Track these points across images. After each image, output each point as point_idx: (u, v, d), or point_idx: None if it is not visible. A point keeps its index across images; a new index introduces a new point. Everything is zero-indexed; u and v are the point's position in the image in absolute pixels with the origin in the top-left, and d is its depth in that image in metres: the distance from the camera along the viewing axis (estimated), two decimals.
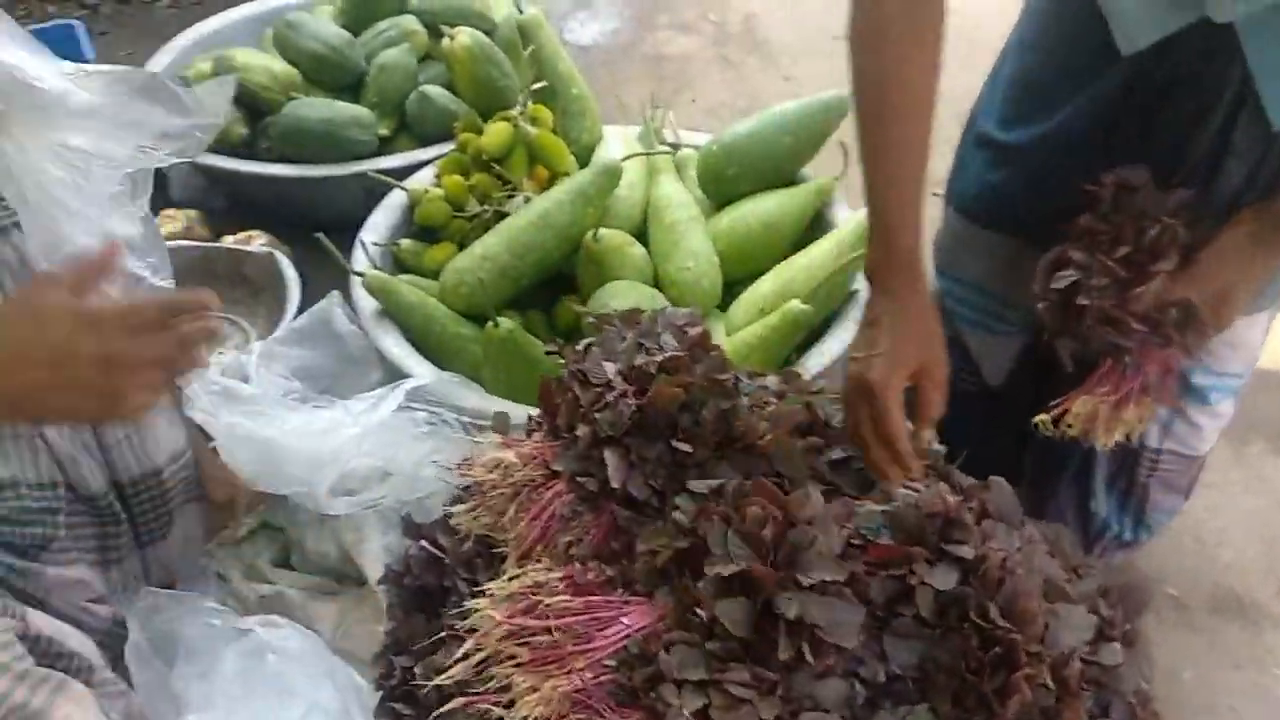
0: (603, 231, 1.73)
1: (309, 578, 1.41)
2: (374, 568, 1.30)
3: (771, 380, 1.25)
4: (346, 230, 1.87)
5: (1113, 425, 1.24)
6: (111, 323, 0.87)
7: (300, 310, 1.86)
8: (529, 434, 1.23)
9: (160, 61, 2.38)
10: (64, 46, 2.31)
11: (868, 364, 1.07)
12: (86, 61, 2.21)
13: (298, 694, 1.05)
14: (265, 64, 2.19)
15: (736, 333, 1.67)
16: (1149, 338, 1.20)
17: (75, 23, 2.39)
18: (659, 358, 1.11)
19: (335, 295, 1.54)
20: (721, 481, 1.02)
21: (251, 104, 2.19)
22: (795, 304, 1.58)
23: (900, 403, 1.07)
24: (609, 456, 1.06)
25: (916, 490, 1.08)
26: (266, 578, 1.41)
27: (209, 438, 1.46)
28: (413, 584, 1.19)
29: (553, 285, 1.85)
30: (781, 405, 1.18)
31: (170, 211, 2.13)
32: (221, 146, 2.16)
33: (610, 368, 1.12)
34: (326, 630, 1.32)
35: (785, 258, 1.79)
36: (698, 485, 1.02)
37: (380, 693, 1.15)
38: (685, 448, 1.05)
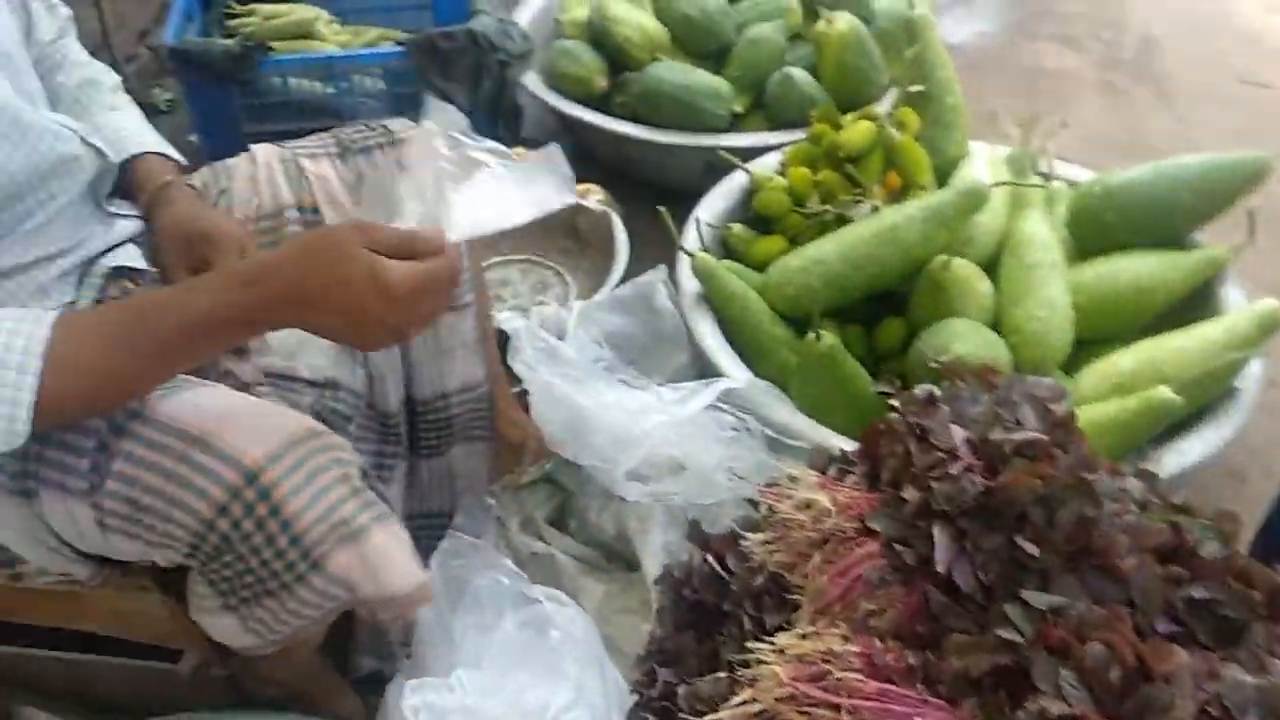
0: (954, 261, 1.59)
1: (582, 548, 1.40)
2: (651, 562, 1.27)
3: (1133, 484, 1.08)
4: (682, 200, 1.84)
5: None
6: (401, 288, 0.90)
7: (624, 274, 1.85)
8: (842, 474, 1.14)
9: (538, 1, 2.44)
10: None
11: None
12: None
13: (568, 678, 1.04)
14: (638, 20, 2.18)
15: (1083, 405, 1.49)
16: None
17: None
18: (1017, 437, 0.98)
19: (662, 270, 1.51)
20: (1066, 602, 0.88)
21: (616, 58, 2.19)
22: (1164, 393, 1.38)
23: None
24: (939, 534, 0.95)
25: None
26: (541, 535, 1.42)
27: (515, 381, 1.48)
28: (691, 597, 1.14)
29: (878, 300, 1.74)
30: (1143, 519, 1.02)
31: (519, 149, 2.18)
32: (578, 94, 2.19)
33: (959, 434, 1.00)
34: (590, 608, 1.30)
35: (1152, 329, 1.58)
36: (1036, 598, 0.89)
37: (635, 697, 1.12)
38: (1031, 549, 0.92)
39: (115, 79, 1.31)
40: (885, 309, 1.72)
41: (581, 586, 1.33)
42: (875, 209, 1.72)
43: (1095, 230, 1.70)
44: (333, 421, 1.27)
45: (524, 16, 2.37)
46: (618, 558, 1.40)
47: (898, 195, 1.80)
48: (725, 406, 1.34)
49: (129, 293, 1.12)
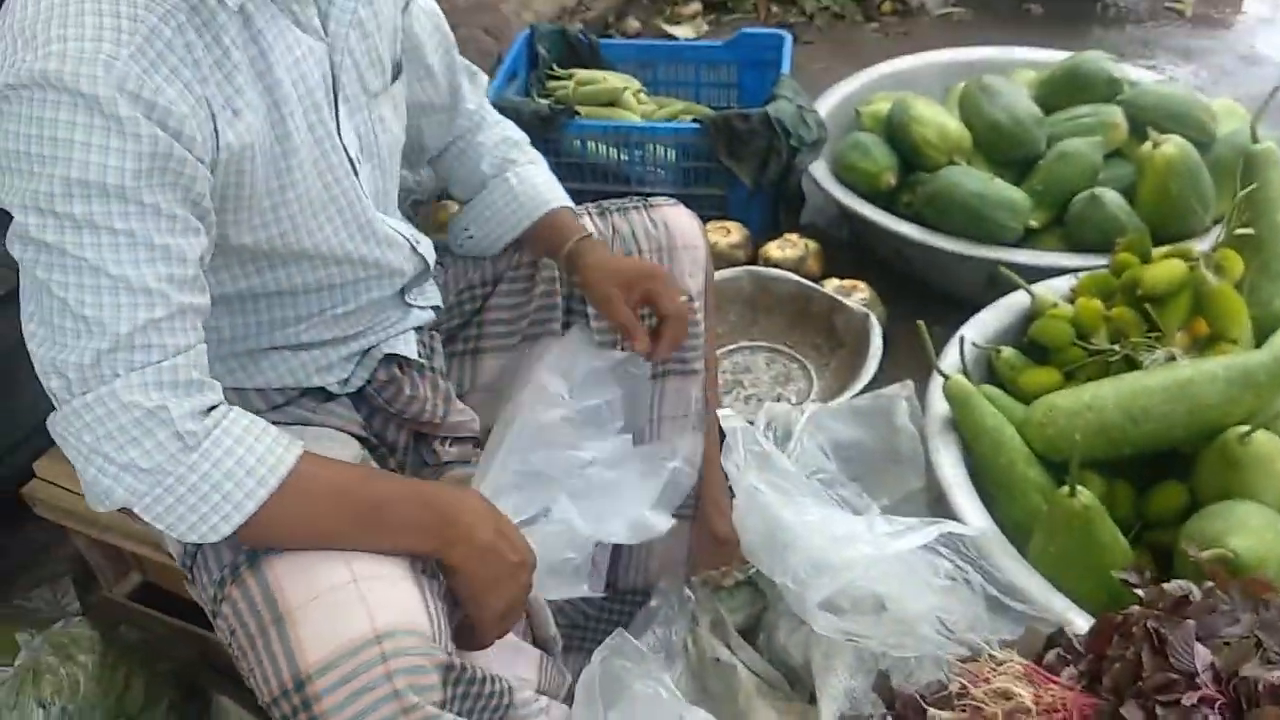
0: (1258, 434, 1.37)
1: (766, 666, 1.32)
2: (829, 705, 1.17)
3: None
4: (959, 312, 1.73)
5: None
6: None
7: (874, 382, 1.76)
8: (1060, 663, 1.00)
9: (845, 88, 2.41)
10: (769, 52, 2.45)
11: None
12: (779, 70, 2.31)
13: None
14: (940, 121, 2.09)
15: None
16: None
17: (784, 33, 2.51)
18: (1275, 675, 0.81)
19: (907, 386, 1.40)
20: None
21: (910, 157, 2.11)
22: None
23: None
24: None
25: None
26: (728, 641, 1.35)
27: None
28: None
29: (1159, 458, 1.53)
30: None
31: (793, 236, 2.16)
32: (864, 189, 2.12)
33: (1203, 656, 0.85)
34: None
35: None
36: None
37: None
38: None
39: (524, 136, 1.40)
40: (1165, 470, 1.51)
41: (755, 708, 1.25)
42: (1171, 358, 1.52)
43: None
44: None
45: (826, 104, 2.34)
46: (801, 685, 1.31)
47: (1202, 347, 1.58)
48: (946, 551, 1.22)
49: (395, 380, 1.19)
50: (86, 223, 0.84)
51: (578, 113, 2.25)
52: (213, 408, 0.91)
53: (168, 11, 0.87)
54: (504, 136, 1.36)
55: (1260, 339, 1.59)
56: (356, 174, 1.09)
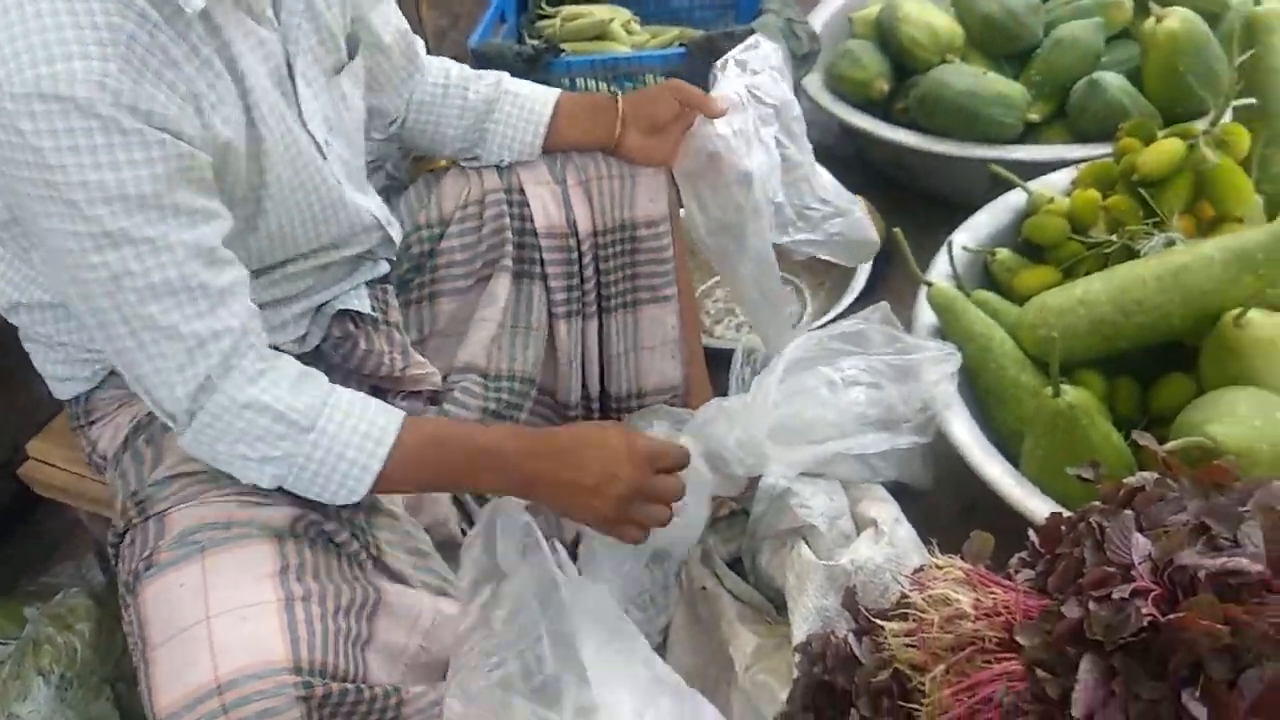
0: (1253, 314, 1.30)
1: (751, 591, 1.31)
2: (800, 625, 1.15)
3: None
4: (963, 214, 1.67)
5: None
6: (647, 459, 1.10)
7: (872, 296, 1.71)
8: (1021, 565, 0.97)
9: (835, 2, 2.32)
10: None
11: None
12: None
13: None
14: (927, 20, 1.99)
15: None
16: None
17: None
18: (1217, 562, 0.77)
19: (882, 308, 1.36)
20: None
21: (903, 60, 2.03)
22: None
23: None
24: (1085, 668, 0.77)
25: None
26: (715, 571, 1.34)
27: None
28: (821, 676, 1.02)
29: (1166, 351, 1.46)
30: None
31: None
32: (858, 98, 2.05)
33: (1141, 545, 0.81)
34: (739, 663, 1.22)
35: None
36: None
37: None
38: (1199, 712, 0.72)
39: (496, 75, 1.40)
40: (1173, 363, 1.44)
41: (736, 633, 1.24)
42: (1170, 244, 1.45)
43: None
44: (502, 412, 1.31)
45: (821, 15, 2.26)
46: (786, 611, 1.29)
47: (1206, 230, 1.50)
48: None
49: (350, 335, 1.21)
50: (124, 237, 0.89)
51: (563, 49, 2.21)
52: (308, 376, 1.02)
53: (139, 15, 0.89)
54: (491, 79, 1.37)
55: (1273, 217, 1.50)
56: (325, 157, 1.11)
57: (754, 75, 1.40)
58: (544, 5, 2.45)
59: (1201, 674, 0.73)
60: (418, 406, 1.24)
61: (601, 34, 2.32)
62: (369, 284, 1.25)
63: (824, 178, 1.46)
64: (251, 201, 1.05)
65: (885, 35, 2.05)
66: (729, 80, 1.37)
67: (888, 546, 1.20)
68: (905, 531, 1.25)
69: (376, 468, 1.01)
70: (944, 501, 1.44)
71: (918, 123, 1.96)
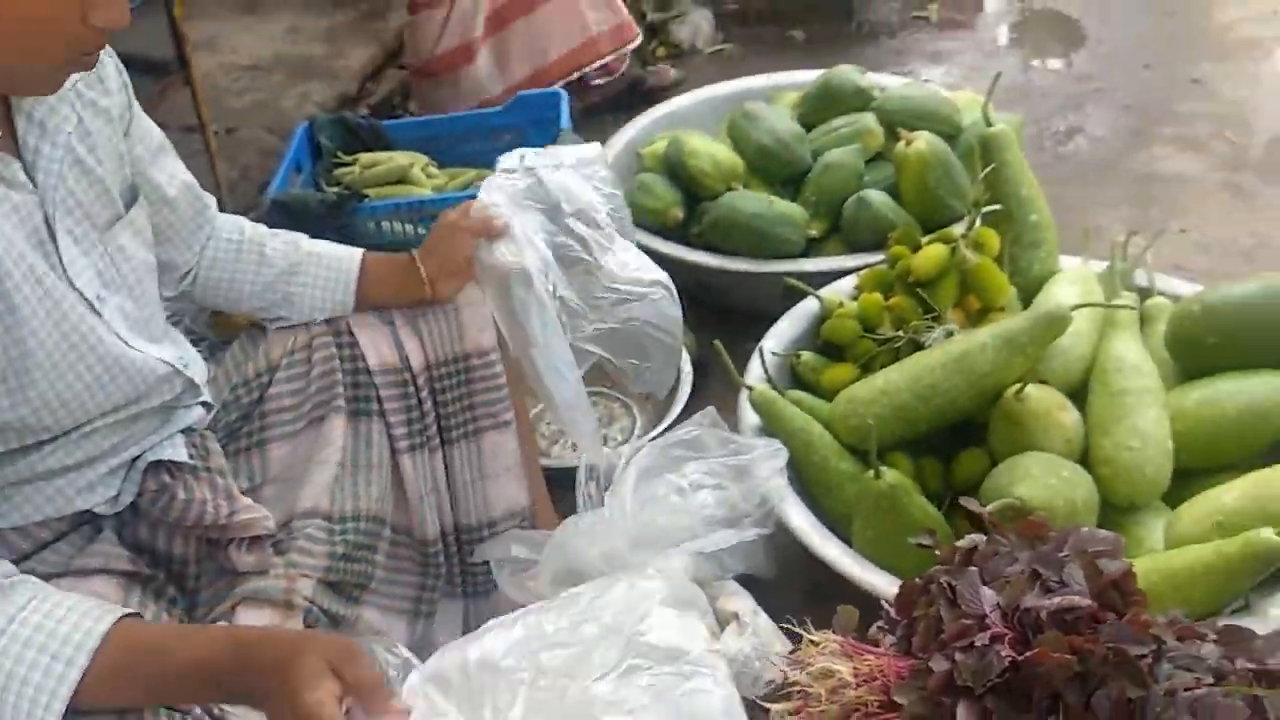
0: (1029, 389, 1.49)
1: None
2: None
3: (1210, 651, 0.95)
4: (762, 325, 1.81)
5: None
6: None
7: (693, 403, 1.81)
8: (881, 634, 1.05)
9: (624, 135, 2.49)
10: (548, 110, 2.51)
11: None
12: (560, 127, 2.37)
13: None
14: (711, 152, 2.19)
15: (1179, 548, 1.34)
16: None
17: (561, 92, 2.58)
18: (1055, 601, 0.88)
19: (710, 413, 1.46)
20: None
21: (692, 190, 2.21)
22: (1267, 535, 1.22)
23: None
24: (962, 714, 0.85)
25: None
26: None
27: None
28: None
29: (960, 430, 1.63)
30: (1218, 694, 0.89)
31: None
32: (656, 226, 2.20)
33: (989, 597, 0.91)
34: None
35: (1267, 463, 1.42)
36: None
37: None
38: None
39: (292, 236, 1.40)
40: (966, 439, 1.62)
41: None
42: (950, 334, 1.63)
43: (1195, 352, 1.56)
44: (352, 554, 1.27)
45: (610, 152, 2.41)
46: None
47: (975, 320, 1.71)
48: None
49: (167, 487, 1.16)
50: None
51: (366, 195, 2.25)
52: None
53: None
54: (287, 238, 1.38)
55: (1027, 304, 1.73)
56: (99, 312, 1.08)
57: (527, 181, 1.44)
58: (339, 154, 2.50)
59: (1060, 702, 0.83)
60: (261, 557, 1.20)
61: (402, 178, 2.39)
62: (185, 431, 1.22)
63: (623, 261, 1.46)
64: (14, 374, 1.00)
65: (674, 168, 2.23)
66: (489, 191, 1.42)
67: (752, 636, 1.26)
68: (764, 620, 1.32)
69: (65, 693, 0.87)
70: (789, 587, 1.53)
71: (713, 245, 2.13)
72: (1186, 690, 0.88)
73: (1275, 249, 2.32)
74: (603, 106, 3.04)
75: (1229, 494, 1.38)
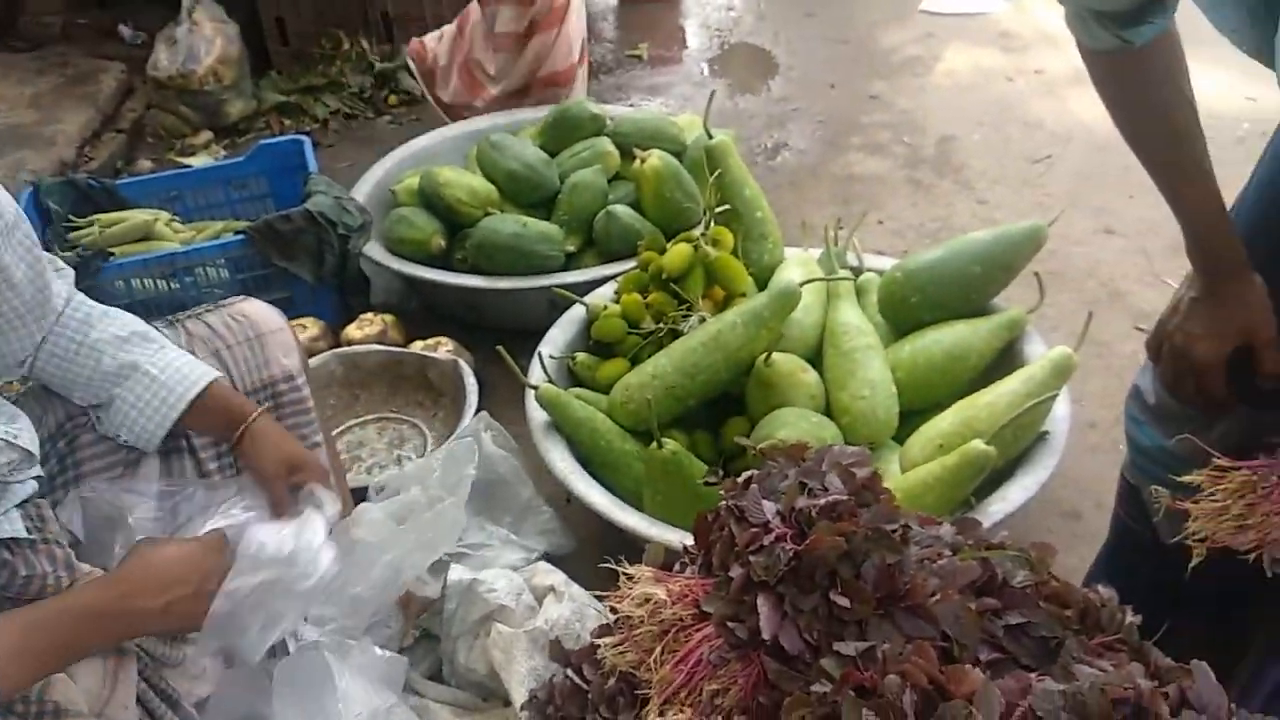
0: (775, 356, 1.70)
1: (455, 692, 1.40)
2: (519, 689, 1.28)
3: (946, 530, 1.17)
4: (532, 339, 1.93)
5: (1240, 519, 1.08)
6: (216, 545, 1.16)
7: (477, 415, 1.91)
8: (682, 568, 1.20)
9: (374, 174, 2.56)
10: (292, 158, 2.54)
11: (1190, 343, 1.19)
12: (307, 170, 2.41)
13: None
14: (466, 181, 2.31)
15: (911, 470, 1.59)
16: None
17: (303, 137, 2.61)
18: (821, 501, 1.06)
19: (483, 417, 1.57)
20: (871, 644, 0.95)
21: (450, 218, 2.31)
22: (977, 445, 1.49)
23: (1223, 374, 1.18)
24: (761, 604, 1.00)
25: (1104, 670, 0.98)
26: (415, 689, 1.42)
27: None
28: (554, 715, 1.16)
29: (724, 405, 1.83)
30: (956, 560, 1.10)
31: (369, 315, 2.26)
32: (420, 256, 2.29)
33: (769, 507, 1.08)
34: None
35: (970, 392, 1.70)
36: (846, 646, 0.95)
37: None
38: (843, 602, 0.99)
39: (143, 325, 1.32)
40: (731, 411, 1.82)
41: None
42: (703, 320, 1.83)
43: (903, 311, 1.84)
44: None
45: (361, 191, 2.48)
46: (495, 696, 1.41)
47: (724, 307, 1.92)
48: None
49: (7, 564, 1.12)
50: None
51: (112, 253, 2.19)
52: None
53: None
54: (123, 327, 1.30)
55: (763, 289, 1.96)
56: None
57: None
58: (71, 217, 2.40)
59: (838, 575, 1.00)
60: None
61: (147, 234, 2.34)
62: (19, 505, 1.19)
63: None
64: None
65: (430, 199, 2.32)
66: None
67: (570, 602, 1.38)
68: (577, 589, 1.44)
69: None
70: (589, 561, 1.66)
71: (478, 267, 2.24)
72: (932, 559, 1.09)
73: (954, 228, 2.73)
74: None
75: (944, 421, 1.65)
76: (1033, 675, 0.97)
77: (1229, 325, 1.17)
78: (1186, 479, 1.12)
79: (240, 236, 2.24)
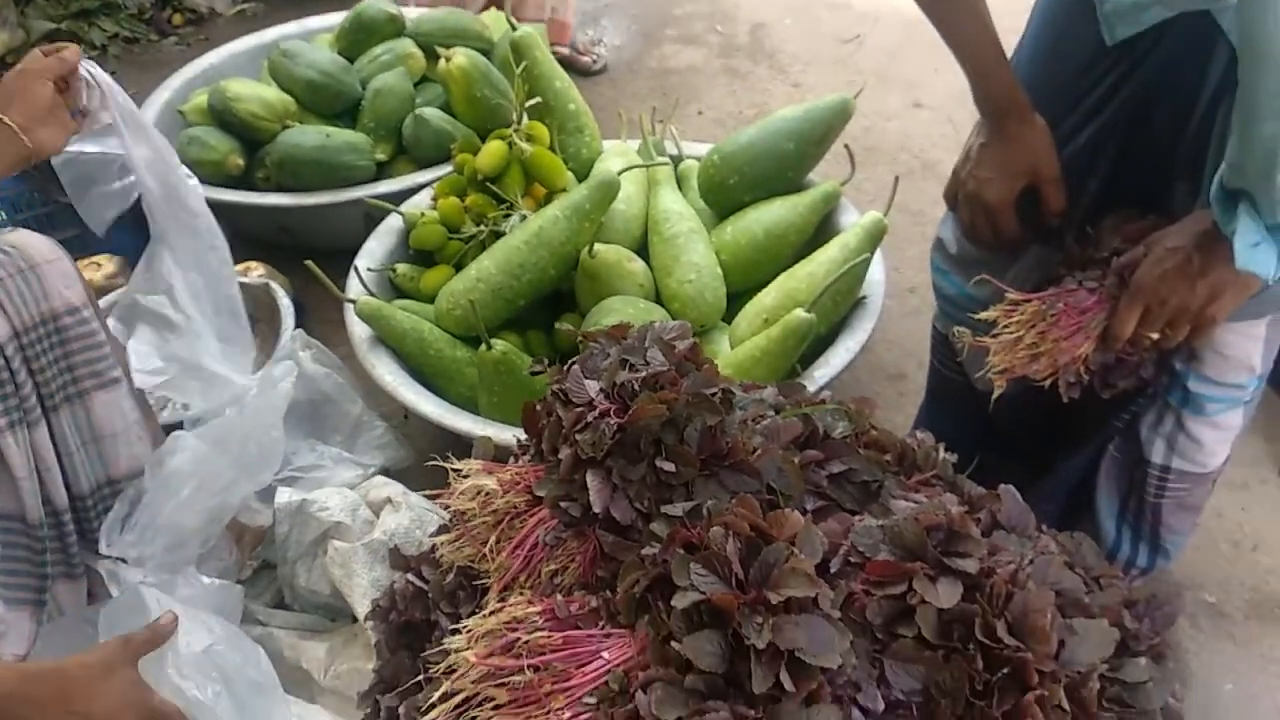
0: (599, 247, 1.69)
1: (300, 616, 1.36)
2: (362, 602, 1.26)
3: (768, 393, 1.20)
4: (348, 256, 1.85)
5: (1034, 348, 1.16)
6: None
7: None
8: (515, 459, 1.18)
9: (160, 97, 2.37)
10: None
11: (982, 186, 1.25)
12: None
13: None
14: (258, 93, 2.17)
15: (739, 345, 1.61)
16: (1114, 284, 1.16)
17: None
18: (643, 374, 1.06)
19: (299, 335, 1.50)
20: (697, 502, 0.96)
21: (247, 134, 2.17)
22: (797, 313, 1.52)
23: (1013, 213, 1.24)
24: (590, 479, 1.00)
25: (918, 502, 1.02)
26: (257, 619, 1.37)
27: None
28: (398, 620, 1.14)
29: (555, 304, 1.81)
30: (779, 420, 1.12)
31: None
32: (219, 178, 2.14)
33: (592, 386, 1.07)
34: (316, 670, 1.27)
35: (788, 267, 1.74)
36: (673, 508, 0.96)
37: None
38: (668, 467, 0.99)
39: None
40: (562, 309, 1.80)
41: (302, 653, 1.30)
42: (524, 218, 1.79)
43: (723, 194, 1.85)
44: None
45: (146, 116, 2.29)
46: (342, 615, 1.38)
47: (545, 203, 1.88)
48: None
49: None
50: None
51: None
52: None
53: None
54: None
55: (582, 181, 1.93)
56: None
57: None
58: None
59: (662, 443, 1.01)
60: None
61: None
62: None
63: None
64: None
65: (222, 116, 2.17)
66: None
67: (409, 511, 1.35)
68: (415, 498, 1.41)
69: None
70: (431, 472, 1.63)
71: (282, 185, 2.12)
72: (755, 421, 1.11)
73: (772, 113, 2.73)
74: None
75: (768, 296, 1.68)
76: (856, 517, 1.01)
77: (1016, 165, 1.22)
78: (984, 315, 1.18)
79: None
